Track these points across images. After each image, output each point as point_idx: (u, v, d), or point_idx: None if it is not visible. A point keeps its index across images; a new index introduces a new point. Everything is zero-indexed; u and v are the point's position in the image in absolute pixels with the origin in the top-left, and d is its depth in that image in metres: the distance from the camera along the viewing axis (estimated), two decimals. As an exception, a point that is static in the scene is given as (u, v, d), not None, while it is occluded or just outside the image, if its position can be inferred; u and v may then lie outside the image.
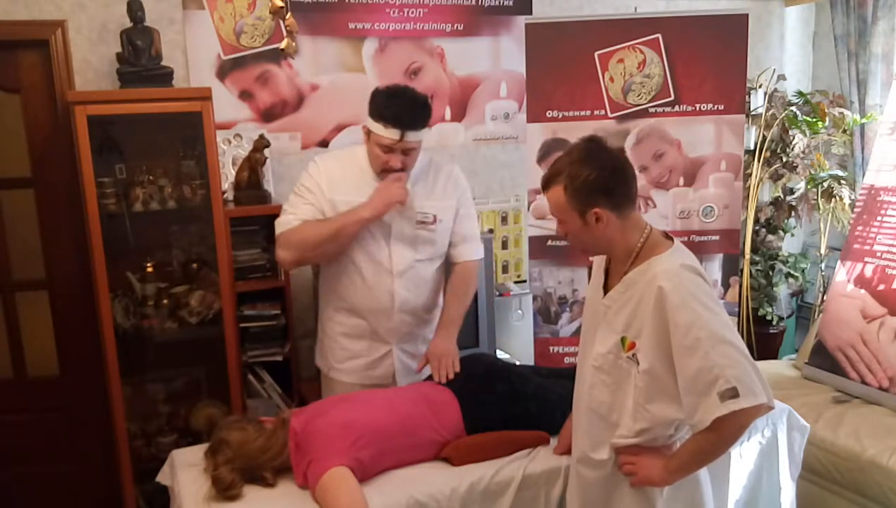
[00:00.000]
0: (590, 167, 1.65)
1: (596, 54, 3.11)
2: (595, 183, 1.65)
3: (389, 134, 2.16)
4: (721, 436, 1.61)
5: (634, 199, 1.73)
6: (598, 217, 1.66)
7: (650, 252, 1.70)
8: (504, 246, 3.69)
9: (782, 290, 4.31)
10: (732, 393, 1.53)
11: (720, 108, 3.13)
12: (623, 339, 1.72)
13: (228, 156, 3.08)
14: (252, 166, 2.94)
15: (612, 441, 1.77)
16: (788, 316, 4.42)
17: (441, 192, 2.37)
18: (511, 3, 3.56)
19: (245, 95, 3.17)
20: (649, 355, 1.66)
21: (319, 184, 2.26)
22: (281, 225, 2.28)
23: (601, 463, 1.80)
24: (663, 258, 1.68)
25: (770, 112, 3.88)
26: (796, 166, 3.93)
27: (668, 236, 1.76)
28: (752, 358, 1.61)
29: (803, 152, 3.91)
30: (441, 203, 2.36)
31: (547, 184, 1.72)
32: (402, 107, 2.16)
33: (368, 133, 2.23)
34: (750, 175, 3.92)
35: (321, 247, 2.25)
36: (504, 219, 3.67)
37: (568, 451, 2.04)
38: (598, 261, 1.87)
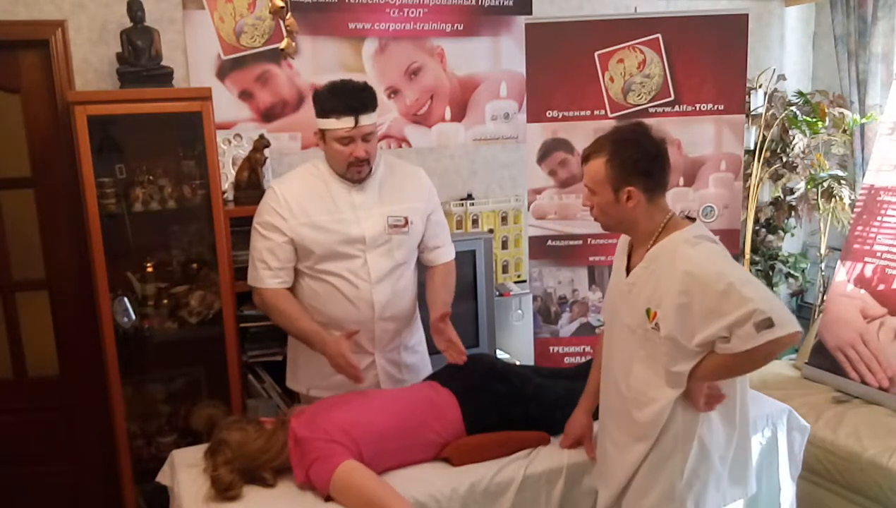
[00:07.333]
0: (635, 148, 1.77)
1: (596, 54, 3.11)
2: (637, 164, 1.76)
3: (344, 123, 2.16)
4: (751, 358, 1.68)
5: (666, 188, 1.83)
6: (629, 195, 1.76)
7: (671, 229, 1.80)
8: (504, 246, 3.68)
9: (782, 290, 4.31)
10: (768, 324, 1.61)
11: (720, 108, 3.13)
12: (647, 311, 1.78)
13: (228, 156, 3.08)
14: (252, 166, 2.94)
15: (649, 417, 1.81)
16: (788, 316, 4.41)
17: (409, 194, 2.38)
18: (511, 3, 3.56)
19: (245, 95, 3.17)
20: (668, 320, 1.73)
21: (282, 215, 2.25)
22: (254, 279, 2.33)
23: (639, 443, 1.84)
24: (684, 231, 1.78)
25: (770, 112, 3.88)
26: (796, 166, 3.93)
27: (691, 219, 1.85)
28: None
29: (803, 152, 3.91)
30: (410, 205, 2.36)
31: (589, 155, 1.82)
32: (347, 95, 2.17)
33: (322, 135, 2.23)
34: (750, 175, 3.92)
35: (283, 330, 2.36)
36: (504, 219, 3.66)
37: (573, 445, 2.07)
38: (621, 247, 1.95)
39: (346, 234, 2.26)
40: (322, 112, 2.20)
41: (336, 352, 2.16)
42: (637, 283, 1.82)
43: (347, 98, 2.17)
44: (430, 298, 2.38)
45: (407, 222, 2.33)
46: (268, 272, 2.29)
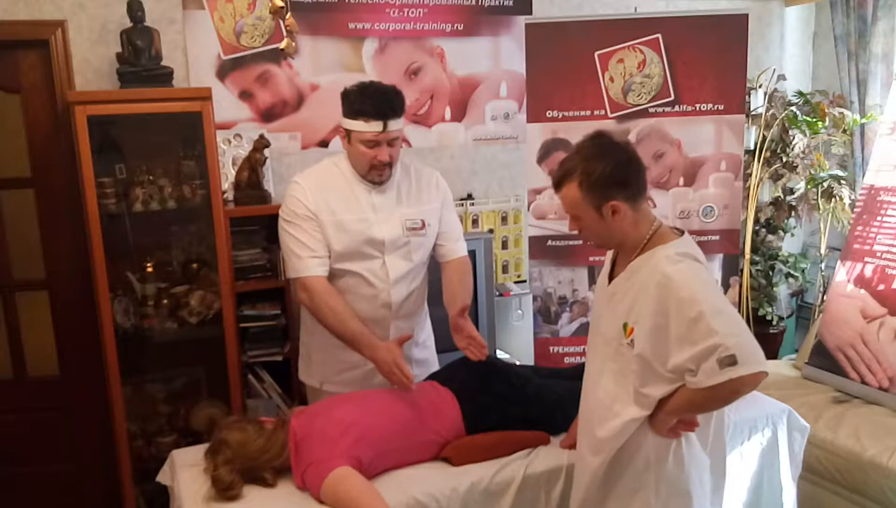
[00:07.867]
0: (604, 161, 1.69)
1: (596, 54, 3.11)
2: (611, 176, 1.68)
3: (372, 127, 2.15)
4: (716, 396, 1.63)
5: (646, 190, 1.77)
6: (614, 209, 1.70)
7: (657, 242, 1.74)
8: (504, 246, 3.68)
9: (782, 290, 4.31)
10: (731, 361, 1.56)
11: (720, 108, 3.13)
12: (625, 325, 1.74)
13: (228, 156, 3.08)
14: (252, 166, 2.94)
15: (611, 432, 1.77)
16: (788, 316, 4.42)
17: (426, 197, 2.38)
18: (511, 3, 3.56)
19: (245, 95, 3.17)
20: (642, 338, 1.69)
21: (308, 207, 2.23)
22: (299, 270, 2.22)
23: (600, 456, 1.80)
24: (668, 246, 1.72)
25: (770, 112, 3.88)
26: (796, 166, 3.93)
27: (679, 231, 1.79)
28: (750, 331, 1.64)
29: (803, 152, 3.91)
30: (427, 207, 2.37)
31: (560, 182, 1.74)
32: (378, 99, 2.16)
33: (348, 135, 2.22)
34: (750, 175, 3.92)
35: (328, 329, 2.23)
36: (504, 219, 3.67)
37: (574, 446, 2.05)
38: (609, 253, 1.90)
39: (368, 236, 2.26)
40: (351, 113, 2.18)
41: (390, 360, 2.11)
42: (617, 293, 1.77)
43: (378, 102, 2.15)
44: (448, 296, 2.35)
45: (424, 225, 2.33)
46: (316, 260, 2.22)
